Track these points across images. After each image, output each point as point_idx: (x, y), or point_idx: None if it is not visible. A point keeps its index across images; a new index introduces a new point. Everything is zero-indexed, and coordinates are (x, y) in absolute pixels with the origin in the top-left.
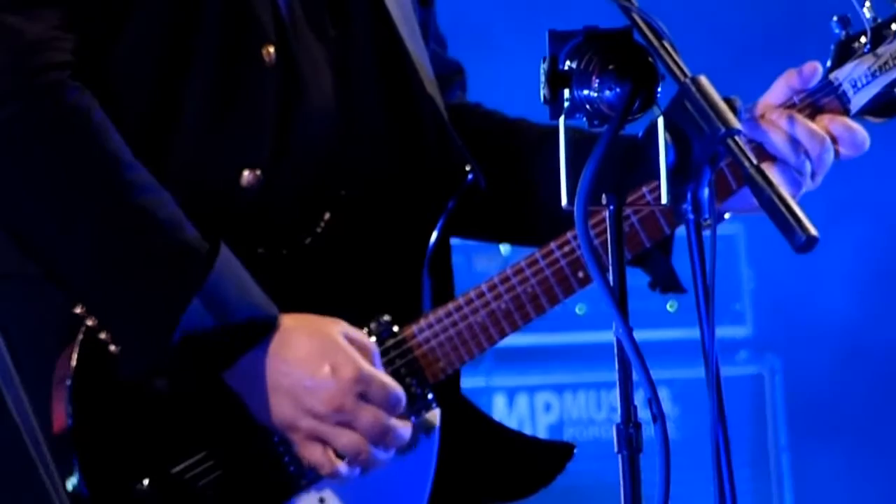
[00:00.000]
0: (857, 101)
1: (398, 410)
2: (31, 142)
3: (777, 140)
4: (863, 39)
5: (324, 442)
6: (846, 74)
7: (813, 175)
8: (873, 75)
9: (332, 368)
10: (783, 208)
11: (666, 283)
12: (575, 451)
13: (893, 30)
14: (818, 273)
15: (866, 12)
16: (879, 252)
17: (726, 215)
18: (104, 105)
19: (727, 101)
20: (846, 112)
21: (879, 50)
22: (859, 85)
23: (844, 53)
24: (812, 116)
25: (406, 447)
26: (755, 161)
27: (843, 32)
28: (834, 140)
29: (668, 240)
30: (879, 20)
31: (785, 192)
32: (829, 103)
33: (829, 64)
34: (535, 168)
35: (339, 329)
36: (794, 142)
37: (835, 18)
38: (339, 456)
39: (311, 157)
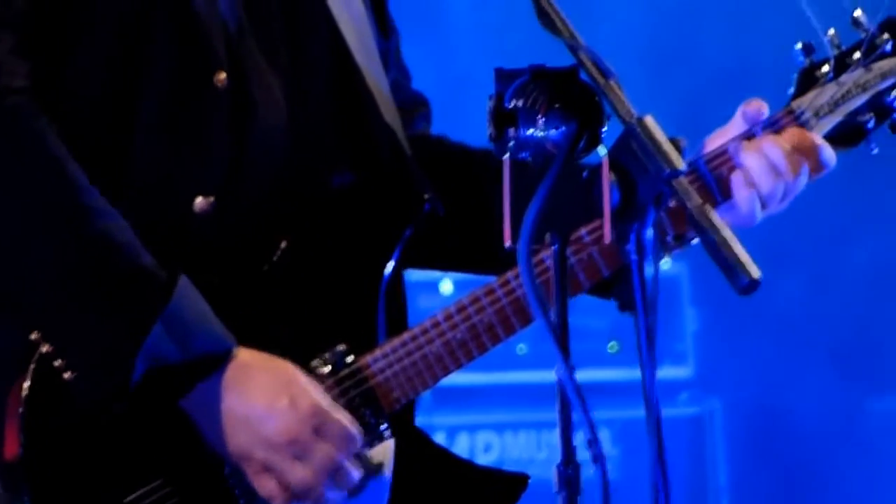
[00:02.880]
0: (820, 129)
1: (353, 449)
2: None
3: (756, 165)
4: (825, 68)
5: (277, 474)
6: (809, 102)
7: (783, 198)
8: (836, 104)
9: (290, 400)
10: (726, 250)
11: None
12: (529, 481)
13: (856, 58)
14: (761, 315)
15: (829, 40)
16: (818, 297)
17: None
18: (58, 130)
19: (672, 141)
20: None
21: (842, 78)
22: (821, 113)
23: (808, 82)
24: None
25: (361, 477)
26: (699, 201)
27: (807, 60)
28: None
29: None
30: (843, 48)
31: (729, 234)
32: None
33: (791, 91)
34: (495, 199)
35: (294, 368)
36: (772, 165)
37: (798, 46)
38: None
39: (266, 184)
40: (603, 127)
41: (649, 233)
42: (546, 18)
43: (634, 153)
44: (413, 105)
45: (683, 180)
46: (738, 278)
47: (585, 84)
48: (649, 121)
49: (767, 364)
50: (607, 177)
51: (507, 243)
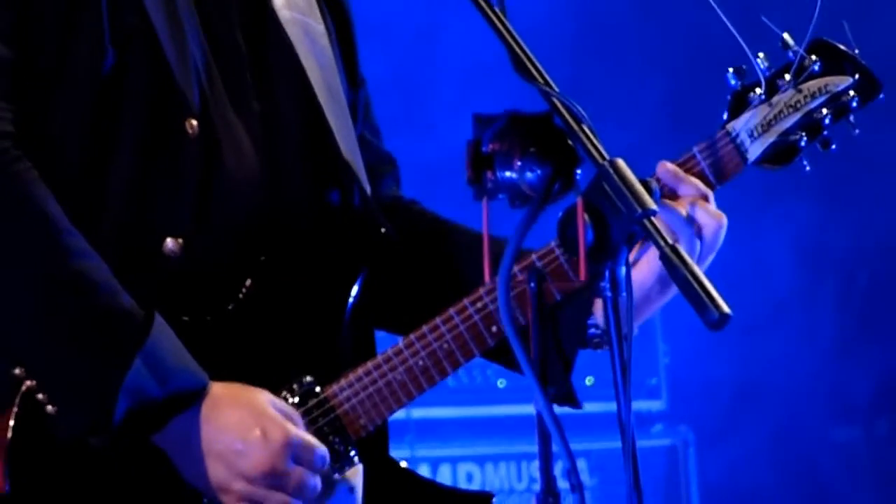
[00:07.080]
0: (754, 150)
1: (323, 468)
2: None
3: (678, 219)
4: (758, 90)
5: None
6: (743, 124)
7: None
8: (769, 124)
9: (263, 433)
10: (697, 287)
11: (564, 397)
12: (494, 500)
13: (787, 79)
14: (730, 348)
15: (761, 63)
16: (782, 325)
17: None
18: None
19: (643, 182)
20: (744, 161)
21: (774, 99)
22: (755, 134)
23: (740, 104)
24: (716, 170)
25: (331, 502)
26: (670, 240)
27: (739, 83)
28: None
29: (570, 361)
30: (773, 70)
31: (699, 271)
32: (728, 154)
33: (725, 115)
34: (462, 274)
35: (265, 397)
36: (692, 221)
37: (730, 70)
38: None
39: (232, 225)
40: (577, 169)
41: (622, 270)
42: (521, 66)
43: (607, 194)
44: (382, 164)
45: (655, 220)
46: (708, 314)
47: (559, 128)
48: (621, 163)
49: (737, 395)
50: (582, 217)
51: (487, 279)
